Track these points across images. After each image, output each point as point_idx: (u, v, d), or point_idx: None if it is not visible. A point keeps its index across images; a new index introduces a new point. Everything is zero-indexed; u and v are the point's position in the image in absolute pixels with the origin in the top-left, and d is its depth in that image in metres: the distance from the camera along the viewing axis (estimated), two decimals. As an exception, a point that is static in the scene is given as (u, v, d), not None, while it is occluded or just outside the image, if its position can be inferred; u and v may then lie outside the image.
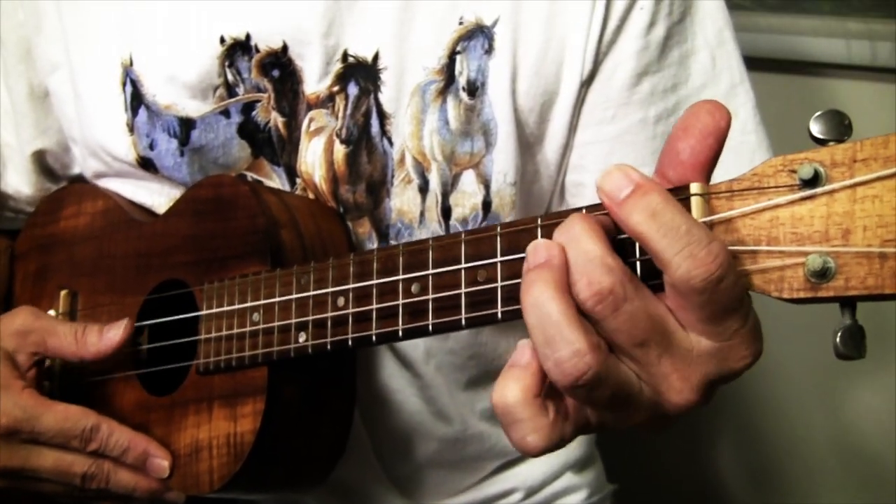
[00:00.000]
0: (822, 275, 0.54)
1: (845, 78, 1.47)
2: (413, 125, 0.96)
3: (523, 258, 0.66)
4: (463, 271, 0.70)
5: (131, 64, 1.02)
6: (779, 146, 0.97)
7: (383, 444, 1.08)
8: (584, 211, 0.64)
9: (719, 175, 0.94)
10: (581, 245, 0.59)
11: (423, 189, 0.98)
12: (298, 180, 1.00)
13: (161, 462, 0.94)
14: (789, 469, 1.66)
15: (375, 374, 1.05)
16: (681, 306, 0.59)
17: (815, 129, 0.56)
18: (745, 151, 0.96)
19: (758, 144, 0.97)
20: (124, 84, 1.03)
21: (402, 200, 0.98)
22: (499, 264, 0.68)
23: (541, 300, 0.59)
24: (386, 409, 1.06)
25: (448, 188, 0.98)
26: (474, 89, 0.95)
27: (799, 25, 1.48)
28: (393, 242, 0.99)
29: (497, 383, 0.63)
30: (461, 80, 0.95)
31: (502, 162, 0.96)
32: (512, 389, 0.62)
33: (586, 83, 0.95)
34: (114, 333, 0.95)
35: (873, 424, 1.53)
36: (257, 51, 0.97)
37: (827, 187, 0.54)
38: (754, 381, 1.62)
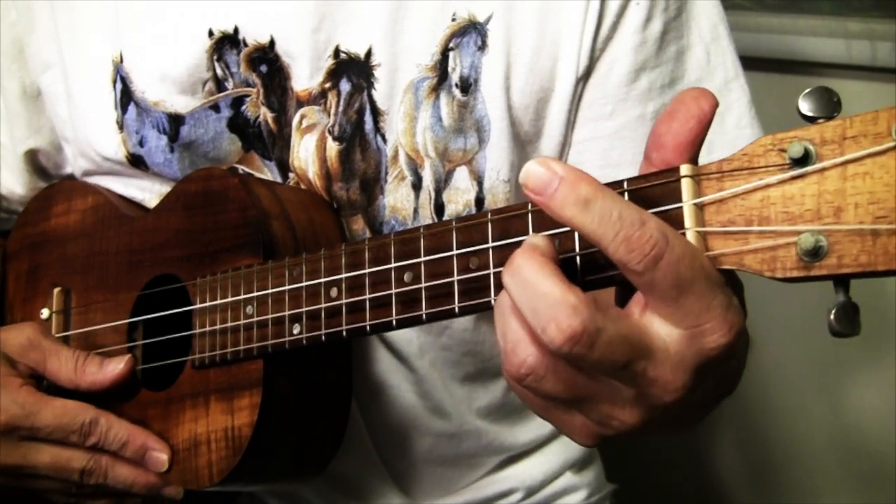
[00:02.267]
0: (815, 253, 0.53)
1: (845, 78, 1.46)
2: (406, 122, 0.96)
3: (516, 243, 0.66)
4: (455, 259, 0.70)
5: (121, 61, 1.02)
6: (778, 146, 0.97)
7: (381, 437, 1.07)
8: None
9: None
10: (538, 288, 0.57)
11: (417, 186, 0.98)
12: (291, 174, 1.00)
13: (160, 456, 0.93)
14: (789, 468, 1.65)
15: (371, 368, 1.04)
16: (647, 297, 0.58)
17: (804, 106, 0.55)
18: (740, 146, 0.95)
19: (752, 138, 0.96)
20: (115, 82, 1.03)
21: (396, 197, 0.98)
22: (490, 251, 0.68)
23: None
24: (382, 402, 1.06)
25: (441, 185, 0.97)
26: (467, 86, 0.95)
27: (799, 25, 1.48)
28: (387, 235, 0.99)
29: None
30: (454, 77, 0.95)
31: (495, 159, 0.96)
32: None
33: (582, 79, 0.95)
34: (113, 367, 0.95)
35: (873, 423, 1.53)
36: (245, 45, 0.97)
37: (817, 165, 0.54)
38: (754, 380, 1.62)
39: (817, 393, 1.59)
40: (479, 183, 0.97)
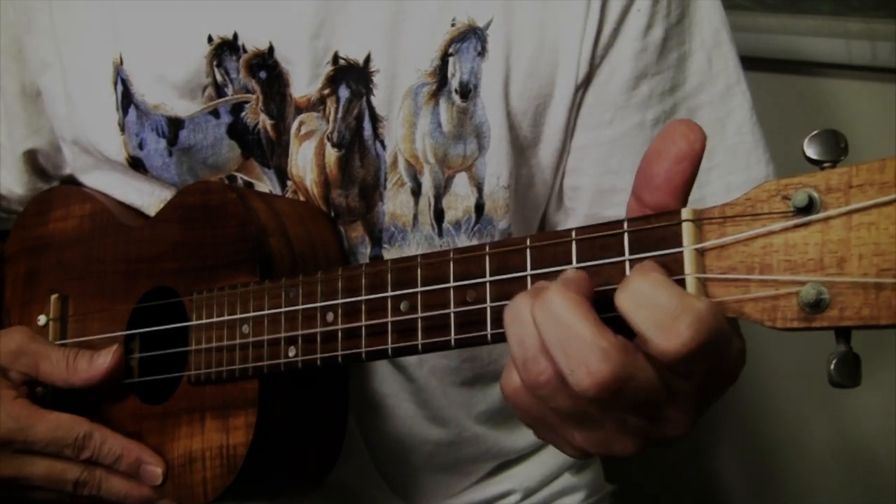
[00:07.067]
0: (816, 306, 0.52)
1: (845, 78, 1.46)
2: (405, 128, 0.95)
3: (512, 279, 0.65)
4: (451, 291, 0.69)
5: (122, 63, 1.01)
6: (778, 146, 0.97)
7: (379, 448, 1.07)
8: (573, 235, 0.63)
9: (715, 177, 0.94)
10: (570, 328, 0.56)
11: (416, 192, 0.97)
12: (289, 182, 0.99)
13: (154, 469, 0.93)
14: (789, 469, 1.66)
15: (368, 379, 1.04)
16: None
17: (810, 150, 0.54)
18: (741, 152, 0.96)
19: (754, 145, 0.96)
20: (115, 83, 1.02)
21: (395, 204, 0.98)
22: (487, 285, 0.67)
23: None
24: (380, 413, 1.05)
25: (441, 191, 0.97)
26: (467, 92, 0.94)
27: (799, 25, 1.47)
28: (386, 246, 0.99)
29: (506, 370, 0.63)
30: (454, 83, 0.94)
31: (495, 164, 0.96)
32: (515, 377, 0.62)
33: (582, 86, 0.95)
34: (102, 360, 0.95)
35: (873, 425, 1.53)
36: (244, 51, 0.96)
37: (822, 214, 0.53)
38: (754, 382, 1.62)
39: (817, 394, 1.59)
40: (479, 189, 0.96)
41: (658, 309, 0.55)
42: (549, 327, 0.56)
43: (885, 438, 1.49)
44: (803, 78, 1.50)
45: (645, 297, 0.55)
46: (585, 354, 0.55)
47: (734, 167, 0.95)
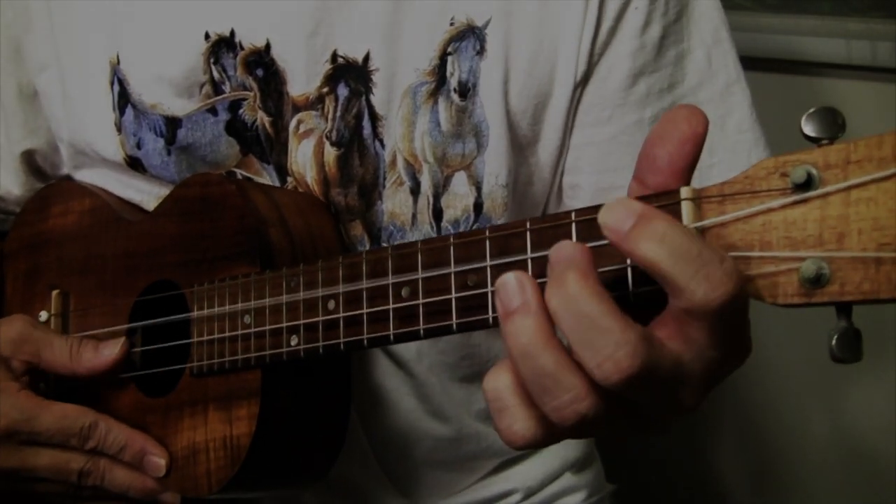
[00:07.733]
0: (817, 281, 0.53)
1: (845, 78, 1.46)
2: (404, 127, 0.96)
3: (513, 262, 0.65)
4: (452, 275, 0.69)
5: (118, 62, 1.01)
6: (778, 146, 0.96)
7: (380, 442, 1.07)
8: (573, 217, 0.63)
9: (716, 174, 0.94)
10: (597, 323, 0.54)
11: (415, 191, 0.97)
12: (290, 178, 0.99)
13: (158, 460, 0.93)
14: (789, 469, 1.66)
15: (370, 374, 1.04)
16: (696, 329, 0.56)
17: (808, 128, 0.54)
18: (741, 149, 0.96)
19: (754, 142, 0.96)
20: (112, 83, 1.02)
21: (394, 203, 0.98)
22: (488, 268, 0.67)
23: (530, 352, 0.57)
24: (381, 408, 1.06)
25: (439, 190, 0.97)
26: (465, 91, 0.94)
27: (799, 25, 1.48)
28: (384, 245, 0.99)
29: (492, 370, 0.61)
30: (452, 82, 0.94)
31: (494, 163, 0.96)
32: (504, 376, 0.61)
33: (581, 84, 0.95)
34: (109, 351, 0.95)
35: (873, 423, 1.53)
36: (242, 48, 0.97)
37: (820, 190, 0.53)
38: (754, 380, 1.62)
39: (817, 392, 1.59)
40: (478, 188, 0.97)
41: (699, 259, 0.53)
42: (573, 322, 0.55)
43: (884, 436, 1.50)
44: (803, 78, 1.50)
45: (681, 247, 0.53)
46: (612, 349, 0.54)
47: (735, 164, 0.95)
